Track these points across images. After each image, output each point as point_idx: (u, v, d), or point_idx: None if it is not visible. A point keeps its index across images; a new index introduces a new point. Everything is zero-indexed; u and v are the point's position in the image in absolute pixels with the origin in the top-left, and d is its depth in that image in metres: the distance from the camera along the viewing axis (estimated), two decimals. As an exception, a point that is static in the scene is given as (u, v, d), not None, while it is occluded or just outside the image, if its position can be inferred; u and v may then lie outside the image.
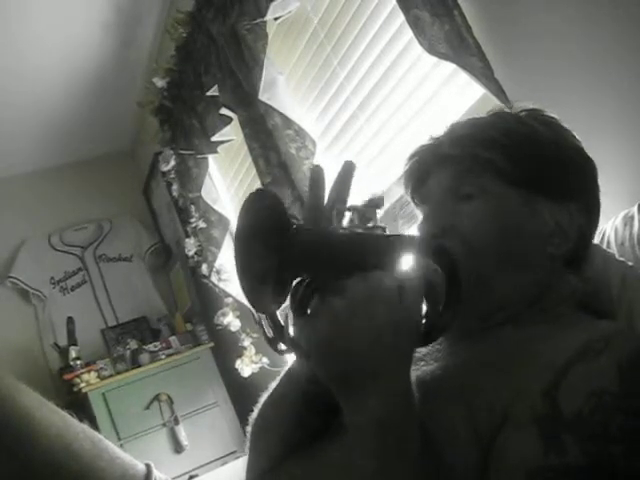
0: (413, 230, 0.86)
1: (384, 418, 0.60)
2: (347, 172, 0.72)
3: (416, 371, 0.76)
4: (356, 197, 0.73)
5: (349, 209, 0.69)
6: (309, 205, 0.68)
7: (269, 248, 0.59)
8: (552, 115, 0.83)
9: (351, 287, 0.61)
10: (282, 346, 0.83)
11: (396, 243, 0.67)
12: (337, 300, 0.61)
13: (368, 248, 0.66)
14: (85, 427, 1.01)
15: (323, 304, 0.62)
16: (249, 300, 0.62)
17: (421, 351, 0.79)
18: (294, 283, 0.65)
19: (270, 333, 0.83)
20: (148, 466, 1.06)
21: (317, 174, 0.69)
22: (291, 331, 0.76)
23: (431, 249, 0.68)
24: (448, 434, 0.65)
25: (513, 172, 0.77)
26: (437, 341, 0.73)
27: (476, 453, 0.62)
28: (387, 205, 1.86)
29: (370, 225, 0.69)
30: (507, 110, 0.85)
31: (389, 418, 0.60)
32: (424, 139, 0.86)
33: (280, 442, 0.82)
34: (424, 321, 0.68)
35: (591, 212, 0.81)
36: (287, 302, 0.66)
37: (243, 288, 0.62)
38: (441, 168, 0.81)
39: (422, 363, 0.78)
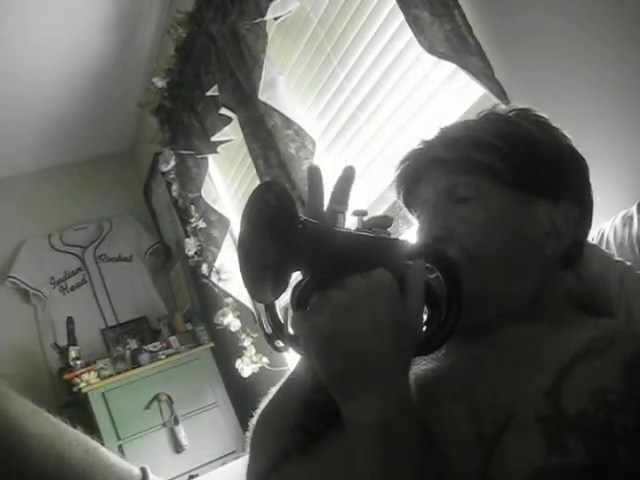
0: (412, 231, 0.86)
1: (384, 418, 0.59)
2: (347, 176, 0.72)
3: (418, 371, 0.76)
4: (357, 200, 0.73)
5: (357, 214, 0.69)
6: (309, 205, 0.68)
7: (274, 239, 0.59)
8: (541, 114, 0.83)
9: (353, 283, 0.61)
10: (280, 343, 0.83)
11: (399, 246, 0.67)
12: (338, 294, 0.61)
13: (371, 248, 0.66)
14: (79, 434, 1.00)
15: (323, 298, 0.62)
16: (248, 289, 0.61)
17: None
18: (296, 281, 0.65)
19: (269, 329, 0.83)
20: (144, 471, 1.05)
21: (314, 174, 0.69)
22: (290, 328, 0.76)
23: (431, 256, 0.68)
24: (451, 435, 0.64)
25: (508, 174, 0.77)
26: None
27: (479, 454, 0.62)
28: (387, 205, 1.86)
29: (375, 230, 0.69)
30: (497, 111, 0.84)
31: (389, 418, 0.59)
32: (415, 143, 0.85)
33: (281, 446, 0.82)
34: (425, 329, 0.68)
35: (585, 210, 0.81)
36: (288, 298, 0.66)
37: (243, 277, 0.62)
38: (434, 172, 0.81)
39: (424, 362, 0.77)
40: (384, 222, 0.70)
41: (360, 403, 0.60)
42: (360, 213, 0.68)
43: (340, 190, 0.71)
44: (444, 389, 0.70)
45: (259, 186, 0.62)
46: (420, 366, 0.77)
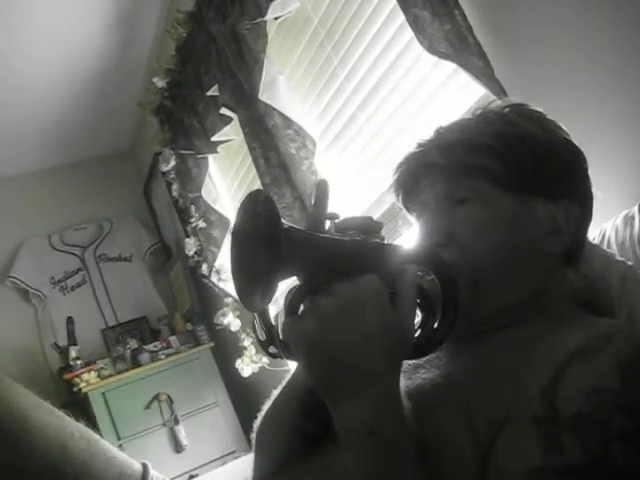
0: (412, 232, 0.86)
1: (373, 423, 0.59)
2: (323, 193, 0.69)
3: (417, 379, 0.76)
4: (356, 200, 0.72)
5: (328, 217, 0.69)
6: (311, 216, 0.68)
7: (261, 249, 0.60)
8: (537, 109, 0.82)
9: (341, 289, 0.61)
10: (273, 349, 0.83)
11: (391, 251, 0.67)
12: (326, 300, 0.61)
13: (363, 254, 0.66)
14: (81, 427, 1.01)
15: (312, 305, 0.62)
16: (240, 298, 0.62)
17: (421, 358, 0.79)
18: (289, 287, 0.65)
19: (262, 335, 0.84)
20: (145, 466, 1.06)
21: (323, 188, 0.68)
22: (281, 334, 0.76)
23: (428, 259, 0.68)
24: (449, 444, 0.64)
25: (506, 175, 0.77)
26: None
27: (476, 461, 0.62)
28: (387, 205, 1.86)
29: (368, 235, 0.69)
30: (493, 109, 0.84)
31: (378, 423, 0.59)
32: (412, 146, 0.85)
33: (282, 450, 0.82)
34: (419, 332, 0.68)
35: (585, 205, 0.81)
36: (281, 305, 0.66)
37: (235, 286, 0.63)
38: (431, 175, 0.81)
39: (423, 370, 0.77)
40: (361, 224, 0.70)
41: (348, 409, 0.60)
42: (331, 217, 0.68)
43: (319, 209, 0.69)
44: (442, 398, 0.70)
45: (246, 197, 0.63)
46: (420, 375, 0.77)
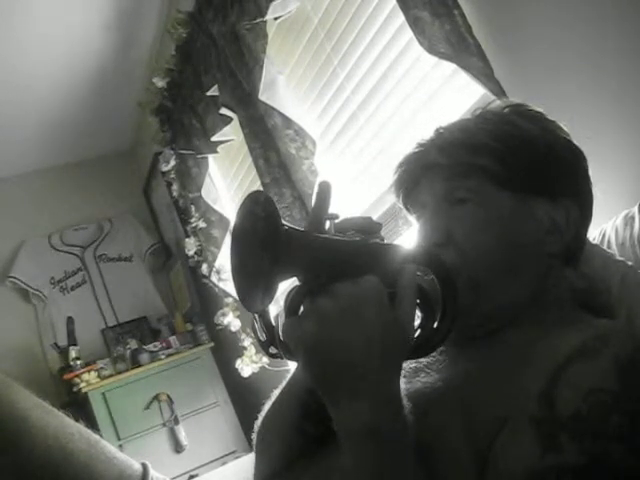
0: (412, 232, 0.86)
1: (372, 423, 0.59)
2: (324, 194, 0.69)
3: (416, 383, 0.76)
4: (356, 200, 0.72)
5: (328, 217, 0.68)
6: (311, 218, 0.68)
7: (261, 250, 0.60)
8: (537, 109, 0.82)
9: (341, 289, 0.61)
10: (273, 350, 0.83)
11: (391, 251, 0.67)
12: (326, 301, 0.61)
13: (361, 254, 0.66)
14: (81, 427, 1.01)
15: (311, 306, 0.62)
16: (240, 298, 0.62)
17: (421, 361, 0.79)
18: (289, 287, 0.65)
19: (262, 336, 0.84)
20: (145, 466, 1.06)
21: (324, 190, 0.68)
22: (281, 335, 0.76)
23: (427, 260, 0.68)
24: (448, 445, 0.64)
25: (505, 175, 0.77)
26: (437, 351, 0.73)
27: (476, 463, 0.62)
28: (387, 205, 1.86)
29: (366, 235, 0.69)
30: (492, 109, 0.83)
31: (378, 423, 0.59)
32: (412, 146, 0.85)
33: (282, 450, 0.82)
34: (419, 333, 0.68)
35: (585, 205, 0.81)
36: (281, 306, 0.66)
37: (236, 288, 0.63)
38: (431, 176, 0.81)
39: (422, 374, 0.77)
40: (360, 224, 0.70)
41: (347, 409, 0.60)
42: (331, 217, 0.68)
43: (320, 204, 0.69)
44: (443, 402, 0.70)
45: (246, 197, 0.63)
46: (420, 379, 0.76)
